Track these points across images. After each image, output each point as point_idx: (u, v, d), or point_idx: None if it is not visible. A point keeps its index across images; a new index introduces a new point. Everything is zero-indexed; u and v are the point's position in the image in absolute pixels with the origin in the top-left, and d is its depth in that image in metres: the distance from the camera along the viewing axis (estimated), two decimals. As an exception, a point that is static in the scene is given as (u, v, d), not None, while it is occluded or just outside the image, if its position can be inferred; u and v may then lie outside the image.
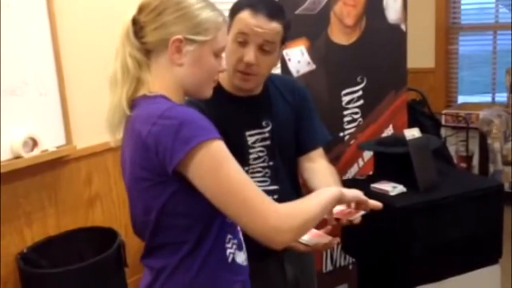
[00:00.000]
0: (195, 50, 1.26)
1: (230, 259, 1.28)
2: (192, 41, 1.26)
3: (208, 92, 1.36)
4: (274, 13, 1.60)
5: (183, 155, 1.12)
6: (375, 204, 1.51)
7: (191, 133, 1.13)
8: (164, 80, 1.27)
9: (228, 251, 1.28)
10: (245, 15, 1.59)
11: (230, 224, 1.27)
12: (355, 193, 1.46)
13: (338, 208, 1.54)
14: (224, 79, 1.72)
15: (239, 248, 1.32)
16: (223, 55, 1.36)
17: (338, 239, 1.56)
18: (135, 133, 1.20)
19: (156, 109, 1.18)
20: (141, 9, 1.27)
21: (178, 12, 1.25)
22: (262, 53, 1.61)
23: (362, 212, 1.53)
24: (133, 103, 1.26)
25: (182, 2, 1.26)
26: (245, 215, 1.16)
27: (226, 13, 1.62)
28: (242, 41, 1.60)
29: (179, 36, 1.24)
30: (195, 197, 1.17)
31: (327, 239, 1.55)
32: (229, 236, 1.28)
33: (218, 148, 1.16)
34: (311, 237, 1.56)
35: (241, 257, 1.32)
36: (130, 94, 1.26)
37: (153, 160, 1.16)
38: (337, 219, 1.52)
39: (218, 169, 1.15)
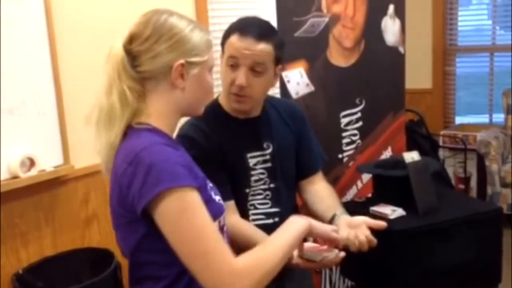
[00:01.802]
0: (198, 72, 1.28)
1: None
2: (194, 64, 1.27)
3: (201, 110, 1.37)
4: (262, 34, 1.62)
5: (148, 200, 1.12)
6: (341, 255, 1.51)
7: (158, 179, 1.12)
8: (161, 107, 1.27)
9: None
10: (234, 39, 1.62)
11: None
12: (324, 229, 1.46)
13: (309, 245, 1.53)
14: (224, 101, 1.73)
15: None
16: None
17: (343, 253, 1.53)
18: (116, 168, 1.21)
19: (136, 146, 1.18)
20: (132, 39, 1.26)
21: (173, 38, 1.25)
22: (254, 74, 1.63)
23: (336, 251, 1.51)
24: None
25: (174, 27, 1.26)
26: (200, 270, 1.13)
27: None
28: (233, 64, 1.63)
29: (182, 61, 1.24)
30: None
31: (333, 253, 1.51)
32: None
33: (182, 197, 1.13)
34: (317, 251, 1.52)
35: None
36: (126, 126, 1.25)
37: (125, 198, 1.16)
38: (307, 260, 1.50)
39: (179, 219, 1.13)
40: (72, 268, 2.43)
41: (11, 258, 2.36)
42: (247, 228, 1.65)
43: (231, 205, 1.67)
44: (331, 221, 1.70)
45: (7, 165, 2.25)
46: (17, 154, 2.28)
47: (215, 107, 1.75)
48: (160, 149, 1.17)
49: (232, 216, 1.64)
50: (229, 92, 1.66)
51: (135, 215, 1.16)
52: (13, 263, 2.35)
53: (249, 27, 1.63)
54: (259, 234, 1.63)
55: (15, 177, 2.27)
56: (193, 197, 1.15)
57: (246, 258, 1.18)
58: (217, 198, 1.31)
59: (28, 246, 2.42)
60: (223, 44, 1.67)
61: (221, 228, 1.29)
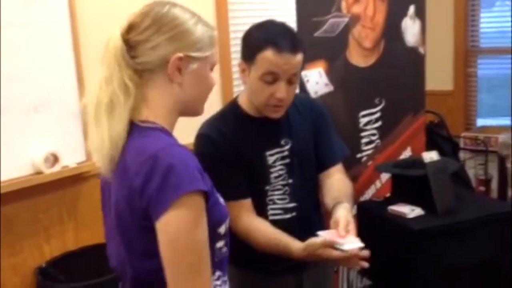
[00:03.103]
0: (198, 67, 1.22)
1: None
2: (194, 59, 1.21)
3: (202, 109, 1.30)
4: (295, 45, 1.61)
5: (168, 206, 1.07)
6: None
7: (179, 182, 1.07)
8: (160, 102, 1.21)
9: None
10: (269, 55, 1.59)
11: (219, 261, 1.24)
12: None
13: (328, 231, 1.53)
14: (243, 102, 1.75)
15: (227, 282, 1.29)
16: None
17: (367, 251, 1.50)
18: (126, 167, 1.14)
19: (150, 145, 1.13)
20: (130, 28, 1.20)
21: (174, 29, 1.19)
22: (290, 84, 1.64)
23: (357, 242, 1.49)
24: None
25: (176, 18, 1.20)
26: (180, 284, 1.10)
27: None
28: (271, 80, 1.61)
29: (180, 54, 1.18)
30: None
31: (356, 244, 1.49)
32: (218, 273, 1.25)
33: (196, 203, 1.10)
34: (337, 236, 1.50)
35: None
36: (129, 120, 1.18)
37: (137, 202, 1.11)
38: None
39: (185, 229, 1.08)
40: (93, 262, 2.46)
41: (35, 252, 2.42)
42: (263, 226, 1.67)
43: (247, 203, 1.69)
44: (331, 213, 1.66)
45: (31, 161, 2.31)
46: (41, 150, 2.34)
47: (234, 108, 1.77)
48: (178, 151, 1.13)
49: (248, 214, 1.66)
50: (266, 104, 1.66)
51: (146, 220, 1.10)
52: (36, 257, 2.41)
53: (281, 40, 1.59)
54: (274, 230, 1.65)
55: (39, 173, 2.33)
56: (202, 205, 1.11)
57: None
58: (222, 200, 1.26)
59: (51, 241, 2.47)
60: (251, 57, 1.62)
61: (227, 232, 1.25)
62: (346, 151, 1.94)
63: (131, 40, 1.19)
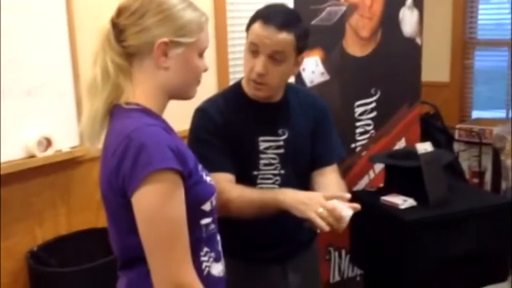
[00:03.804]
0: (182, 52, 1.23)
1: (205, 273, 1.27)
2: (179, 44, 1.22)
3: (193, 93, 1.32)
4: (285, 23, 1.62)
5: (139, 183, 1.11)
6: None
7: (149, 159, 1.11)
8: (147, 86, 1.23)
9: (204, 264, 1.26)
10: (256, 26, 1.63)
11: (207, 237, 1.26)
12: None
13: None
14: (245, 86, 1.76)
15: (217, 259, 1.31)
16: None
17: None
18: (106, 149, 1.19)
19: (127, 126, 1.16)
20: (120, 12, 1.23)
21: (160, 14, 1.21)
22: (273, 63, 1.63)
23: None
24: (110, 112, 1.24)
25: (163, 3, 1.22)
26: (154, 261, 1.14)
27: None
28: (254, 51, 1.63)
29: (165, 39, 1.20)
30: None
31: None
32: (205, 249, 1.27)
33: (167, 180, 1.12)
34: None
35: (218, 269, 1.31)
36: (110, 102, 1.23)
37: (115, 181, 1.15)
38: None
39: (159, 205, 1.12)
40: (85, 247, 2.47)
41: (27, 236, 2.41)
42: (245, 188, 1.67)
43: (231, 176, 1.68)
44: None
45: (24, 144, 2.30)
46: (34, 134, 2.33)
47: (237, 89, 1.78)
48: (152, 131, 1.16)
49: (230, 184, 1.65)
50: (248, 78, 1.68)
51: (125, 198, 1.14)
52: (28, 240, 2.41)
53: (273, 15, 1.63)
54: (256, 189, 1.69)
55: (32, 156, 2.32)
56: (176, 182, 1.14)
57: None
58: (208, 179, 1.29)
59: (43, 224, 2.47)
60: (247, 29, 1.67)
61: (214, 209, 1.29)
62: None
63: (120, 24, 1.22)
